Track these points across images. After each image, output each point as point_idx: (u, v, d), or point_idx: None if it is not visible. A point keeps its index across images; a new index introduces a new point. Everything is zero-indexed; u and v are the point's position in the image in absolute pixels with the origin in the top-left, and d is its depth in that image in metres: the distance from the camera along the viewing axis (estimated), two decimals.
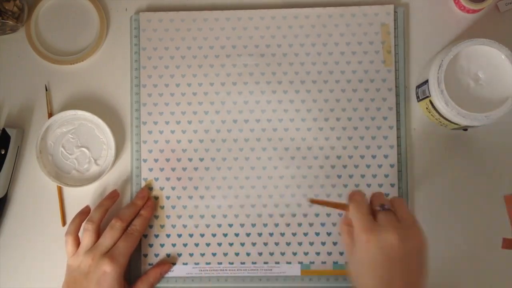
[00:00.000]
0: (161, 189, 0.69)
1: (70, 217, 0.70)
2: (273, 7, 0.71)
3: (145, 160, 0.70)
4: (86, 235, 0.64)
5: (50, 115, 0.71)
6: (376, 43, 0.70)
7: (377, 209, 0.58)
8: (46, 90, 0.71)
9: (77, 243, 0.65)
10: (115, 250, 0.63)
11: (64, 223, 0.70)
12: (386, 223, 0.56)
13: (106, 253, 0.63)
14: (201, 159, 0.70)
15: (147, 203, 0.68)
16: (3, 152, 0.69)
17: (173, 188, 0.69)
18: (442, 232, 0.68)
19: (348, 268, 0.59)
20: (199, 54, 0.71)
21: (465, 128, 0.67)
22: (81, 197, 0.70)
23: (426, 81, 0.64)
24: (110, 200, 0.68)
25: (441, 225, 0.68)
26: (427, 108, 0.66)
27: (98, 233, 0.65)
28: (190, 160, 0.70)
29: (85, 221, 0.65)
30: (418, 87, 0.67)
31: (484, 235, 0.68)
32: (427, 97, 0.64)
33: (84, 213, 0.68)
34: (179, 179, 0.70)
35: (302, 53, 0.70)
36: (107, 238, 0.64)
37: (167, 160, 0.70)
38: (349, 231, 0.59)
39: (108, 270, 0.62)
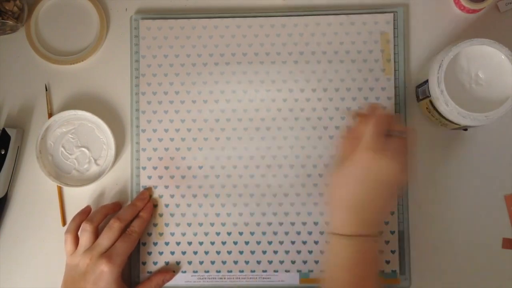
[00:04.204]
0: (160, 197, 0.69)
1: (70, 217, 0.70)
2: (274, 10, 0.71)
3: (144, 168, 0.70)
4: (84, 235, 0.64)
5: (50, 115, 0.71)
6: (375, 51, 0.70)
7: (394, 134, 0.59)
8: (46, 90, 0.71)
9: (76, 242, 0.65)
10: (113, 250, 0.63)
11: (64, 223, 0.70)
12: (395, 151, 0.57)
13: (104, 253, 0.63)
14: (200, 167, 0.69)
15: (147, 205, 0.68)
16: (3, 152, 0.69)
17: (171, 196, 0.69)
18: (442, 232, 0.68)
19: (330, 176, 0.60)
20: (198, 61, 0.70)
21: (465, 128, 0.67)
22: (81, 197, 0.70)
23: (426, 81, 0.64)
24: (111, 208, 0.68)
25: (441, 225, 0.68)
26: (427, 108, 0.66)
27: (97, 234, 0.65)
28: (189, 168, 0.69)
29: (84, 222, 0.65)
30: (418, 87, 0.67)
31: (484, 235, 0.68)
32: (427, 97, 0.64)
33: (85, 213, 0.68)
34: (177, 187, 0.69)
35: (302, 61, 0.70)
36: (105, 238, 0.64)
37: (166, 168, 0.70)
38: (352, 142, 0.59)
39: (105, 270, 0.62)
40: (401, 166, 0.58)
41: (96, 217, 0.66)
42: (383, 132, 0.58)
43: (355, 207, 0.57)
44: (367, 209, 0.57)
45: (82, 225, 0.65)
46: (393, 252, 0.68)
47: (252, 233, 0.69)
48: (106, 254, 0.63)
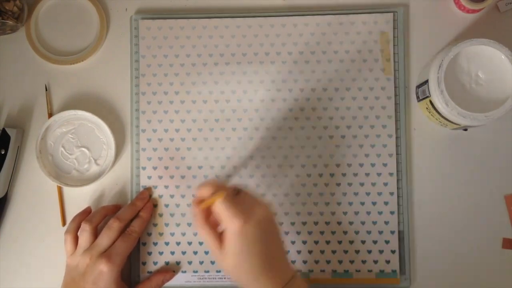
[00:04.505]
0: (160, 197, 0.69)
1: (70, 217, 0.70)
2: (274, 10, 0.71)
3: (144, 168, 0.70)
4: (83, 235, 0.64)
5: (50, 115, 0.71)
6: (375, 51, 0.70)
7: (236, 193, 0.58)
8: (46, 90, 0.71)
9: (76, 242, 0.65)
10: (112, 250, 0.63)
11: (64, 223, 0.70)
12: (249, 198, 0.57)
13: (103, 253, 0.63)
14: (200, 167, 0.69)
15: (147, 205, 0.68)
16: (3, 152, 0.69)
17: (171, 196, 0.69)
18: (443, 232, 0.68)
19: (226, 267, 0.57)
20: (198, 61, 0.70)
21: (465, 128, 0.67)
22: (81, 197, 0.70)
23: (426, 81, 0.64)
24: (111, 209, 0.68)
25: (441, 225, 0.68)
26: (427, 108, 0.66)
27: (95, 234, 0.65)
28: (189, 168, 0.69)
29: (83, 222, 0.65)
30: (418, 87, 0.67)
31: (484, 235, 0.68)
32: (427, 97, 0.64)
33: (85, 213, 0.68)
34: (177, 187, 0.69)
35: (301, 61, 0.70)
36: (105, 238, 0.64)
37: (166, 168, 0.70)
38: (212, 229, 0.57)
39: (104, 270, 0.62)
40: (263, 205, 0.57)
41: (95, 218, 0.66)
42: (230, 196, 0.56)
43: (264, 267, 0.56)
44: (272, 259, 0.56)
45: (81, 225, 0.65)
46: (393, 252, 0.68)
47: None
48: (106, 253, 0.63)
